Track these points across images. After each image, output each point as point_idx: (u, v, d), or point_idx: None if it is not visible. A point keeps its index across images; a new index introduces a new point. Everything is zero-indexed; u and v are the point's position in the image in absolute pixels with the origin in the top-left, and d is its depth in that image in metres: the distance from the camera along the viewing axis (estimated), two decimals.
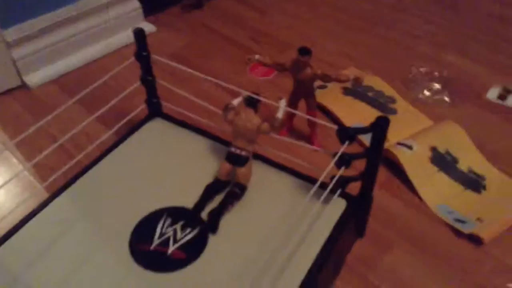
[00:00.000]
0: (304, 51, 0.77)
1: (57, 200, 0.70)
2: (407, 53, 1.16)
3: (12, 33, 1.02)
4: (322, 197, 0.58)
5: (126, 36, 1.20)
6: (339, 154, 0.59)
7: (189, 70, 0.74)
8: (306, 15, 1.32)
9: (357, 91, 0.99)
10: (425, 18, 1.29)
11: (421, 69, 1.04)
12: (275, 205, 0.68)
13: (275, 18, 1.31)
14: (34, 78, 1.08)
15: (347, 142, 0.60)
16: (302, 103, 0.86)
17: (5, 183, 0.64)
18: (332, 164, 0.60)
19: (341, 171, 0.62)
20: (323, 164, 0.85)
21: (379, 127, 0.59)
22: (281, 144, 0.75)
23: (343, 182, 0.64)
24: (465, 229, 0.74)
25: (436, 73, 1.03)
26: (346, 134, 0.60)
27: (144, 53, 0.75)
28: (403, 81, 1.05)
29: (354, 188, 0.67)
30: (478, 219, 0.76)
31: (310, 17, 1.31)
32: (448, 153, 0.85)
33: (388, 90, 1.00)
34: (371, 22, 1.28)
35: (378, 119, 0.59)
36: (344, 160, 0.61)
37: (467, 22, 1.26)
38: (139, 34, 0.74)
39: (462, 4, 1.34)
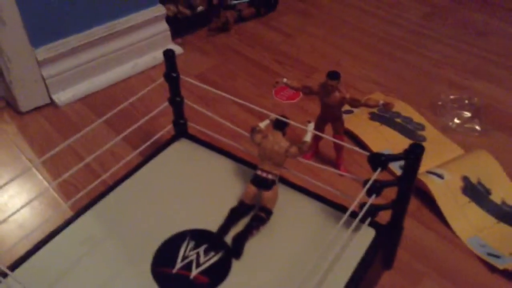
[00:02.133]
0: (333, 75, 0.76)
1: (80, 219, 0.69)
2: (434, 79, 1.14)
3: (42, 52, 1.04)
4: (352, 226, 0.56)
5: (152, 58, 1.22)
6: (371, 181, 0.58)
7: (218, 92, 0.74)
8: (330, 37, 1.32)
9: (384, 116, 0.97)
10: (451, 44, 1.27)
11: (451, 97, 1.02)
12: (301, 232, 0.67)
13: (300, 41, 1.31)
14: (62, 97, 1.09)
15: (379, 169, 0.58)
16: (327, 128, 0.85)
17: (30, 201, 0.64)
18: (364, 191, 0.58)
19: (372, 199, 0.60)
20: (349, 190, 0.84)
21: (413, 155, 0.57)
22: (305, 168, 0.74)
23: (373, 211, 0.62)
24: (499, 264, 0.71)
25: (466, 101, 1.00)
26: (379, 160, 0.58)
27: (174, 74, 0.75)
28: (432, 108, 1.03)
29: (382, 216, 0.65)
30: None
31: (334, 40, 1.31)
32: (480, 183, 0.82)
33: (416, 116, 0.98)
34: (396, 46, 1.27)
35: (413, 146, 0.57)
36: (375, 188, 0.59)
37: (496, 49, 1.24)
38: (169, 55, 0.74)
39: (490, 30, 1.32)
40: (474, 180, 0.83)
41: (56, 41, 1.06)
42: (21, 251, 0.64)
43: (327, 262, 0.58)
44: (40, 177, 0.90)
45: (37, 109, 1.08)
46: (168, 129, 0.83)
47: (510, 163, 0.87)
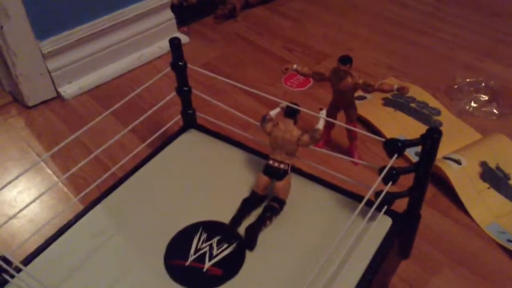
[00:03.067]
0: (345, 60, 0.74)
1: (91, 213, 0.68)
2: (449, 62, 1.11)
3: (47, 45, 1.02)
4: (368, 215, 0.55)
5: (158, 48, 1.20)
6: (387, 168, 0.56)
7: (226, 80, 0.72)
8: (340, 22, 1.29)
9: (398, 102, 0.95)
10: (465, 26, 1.23)
11: (467, 80, 0.99)
12: (315, 222, 0.65)
13: (309, 27, 1.28)
14: (68, 89, 1.08)
15: (395, 156, 0.56)
16: (340, 115, 0.83)
17: (40, 195, 0.62)
18: (379, 179, 0.56)
19: (388, 187, 0.58)
20: (363, 178, 0.82)
21: (431, 139, 0.55)
22: (317, 157, 0.72)
23: (389, 199, 0.60)
24: None
25: (482, 84, 0.97)
26: (395, 147, 0.56)
27: (180, 63, 0.73)
28: (447, 92, 1.00)
29: (398, 204, 0.63)
30: None
31: (345, 24, 1.28)
32: (498, 168, 0.80)
33: (432, 101, 0.95)
34: (409, 30, 1.24)
35: (430, 130, 0.55)
36: (391, 175, 0.57)
37: (510, 31, 1.21)
38: (175, 44, 0.72)
39: (505, 11, 1.28)
40: (492, 165, 0.80)
41: (61, 33, 1.04)
42: (33, 246, 0.63)
43: (343, 252, 0.56)
44: (49, 171, 0.89)
45: (44, 103, 1.07)
46: (176, 119, 0.82)
47: None
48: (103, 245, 0.64)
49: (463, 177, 0.78)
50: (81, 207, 0.69)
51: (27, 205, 0.62)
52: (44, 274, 0.61)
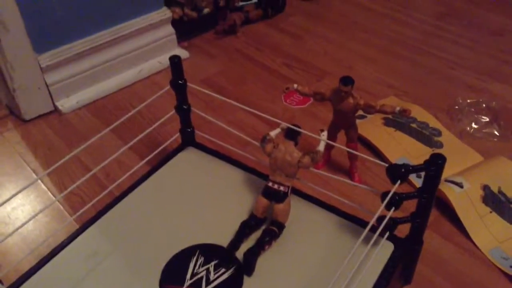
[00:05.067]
0: (347, 81, 0.73)
1: (86, 233, 0.67)
2: (450, 82, 1.10)
3: (46, 58, 1.01)
4: (371, 242, 0.53)
5: (158, 63, 1.19)
6: (390, 194, 0.54)
7: (226, 99, 0.71)
8: (341, 40, 1.28)
9: (399, 122, 0.94)
10: (467, 45, 1.23)
11: (468, 100, 0.98)
12: (315, 246, 0.64)
13: (310, 43, 1.28)
14: (66, 103, 1.07)
15: (398, 182, 0.55)
16: (341, 134, 0.82)
17: (36, 214, 0.61)
18: (383, 206, 0.55)
19: (391, 213, 0.56)
20: (364, 199, 0.81)
21: (435, 166, 0.54)
22: (316, 177, 0.71)
23: (391, 224, 0.59)
24: None
25: (483, 105, 0.97)
26: (399, 173, 0.55)
27: (180, 81, 0.72)
28: (448, 113, 0.99)
29: (399, 229, 0.61)
30: None
31: (345, 42, 1.27)
32: (501, 192, 0.79)
33: (432, 121, 0.94)
34: (409, 48, 1.23)
35: (434, 156, 0.54)
36: (394, 201, 0.56)
37: None
38: (175, 62, 0.71)
39: (506, 31, 1.28)
40: (494, 188, 0.79)
41: (60, 47, 1.03)
42: (26, 266, 0.62)
43: (346, 278, 0.55)
44: (44, 187, 0.88)
45: (41, 116, 1.06)
46: (175, 137, 0.80)
47: None
48: (97, 267, 0.62)
49: (465, 201, 0.76)
50: (76, 226, 0.68)
51: (23, 224, 0.60)
52: None
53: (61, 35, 1.03)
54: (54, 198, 0.85)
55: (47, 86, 1.04)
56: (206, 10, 1.32)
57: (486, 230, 0.75)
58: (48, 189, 0.87)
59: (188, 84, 0.73)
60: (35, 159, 0.94)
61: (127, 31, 1.11)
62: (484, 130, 0.93)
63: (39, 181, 0.88)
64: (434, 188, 0.56)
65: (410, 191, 0.57)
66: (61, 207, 0.83)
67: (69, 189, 0.63)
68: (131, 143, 0.70)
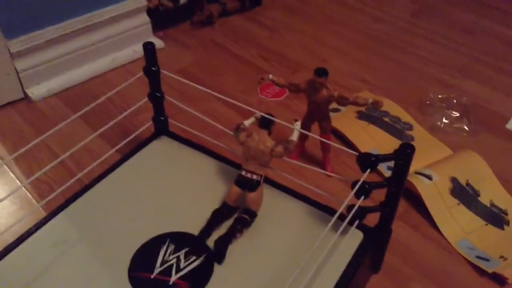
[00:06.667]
0: (321, 72, 0.74)
1: (54, 221, 0.65)
2: (422, 78, 1.12)
3: (16, 44, 0.99)
4: (340, 230, 0.54)
5: (132, 52, 1.17)
6: (360, 183, 0.55)
7: (200, 87, 0.70)
8: (316, 34, 1.29)
9: (372, 115, 0.95)
10: (440, 42, 1.26)
11: (439, 96, 1.00)
12: (286, 235, 0.64)
13: (286, 37, 1.28)
14: (36, 91, 1.04)
15: (368, 170, 0.55)
16: (314, 126, 0.82)
17: (1, 200, 0.59)
18: (352, 194, 0.55)
19: (360, 201, 0.57)
20: (336, 191, 0.82)
21: (404, 155, 0.55)
22: (290, 168, 0.71)
23: (361, 213, 0.60)
24: (489, 267, 0.69)
25: (454, 100, 0.99)
26: (368, 161, 0.55)
27: (154, 68, 0.71)
28: (419, 108, 1.01)
29: (368, 218, 0.62)
30: (502, 257, 0.71)
31: (321, 36, 1.28)
32: (468, 185, 0.81)
33: (404, 116, 0.96)
34: (384, 44, 1.25)
35: (403, 146, 0.55)
36: (364, 190, 0.57)
37: (484, 48, 1.23)
38: (149, 48, 0.70)
39: (478, 29, 1.31)
40: (462, 181, 0.81)
41: (31, 32, 1.00)
42: None
43: (315, 265, 0.55)
44: (12, 175, 0.86)
45: (10, 104, 1.03)
46: (147, 126, 0.79)
47: (499, 164, 0.86)
48: (65, 255, 0.61)
49: (433, 192, 0.78)
50: (44, 214, 0.67)
51: None
52: (1, 283, 0.57)
53: (32, 20, 1.00)
54: (20, 184, 0.83)
55: (17, 72, 1.01)
56: (182, 0, 1.31)
57: (453, 221, 0.76)
58: (16, 177, 0.85)
59: (162, 71, 0.72)
60: (3, 146, 0.92)
61: (101, 19, 1.09)
62: (454, 125, 0.95)
63: (6, 167, 0.86)
64: (403, 177, 0.57)
65: (378, 181, 0.58)
66: (29, 195, 0.81)
67: (36, 175, 0.62)
68: (102, 129, 0.68)
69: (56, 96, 1.05)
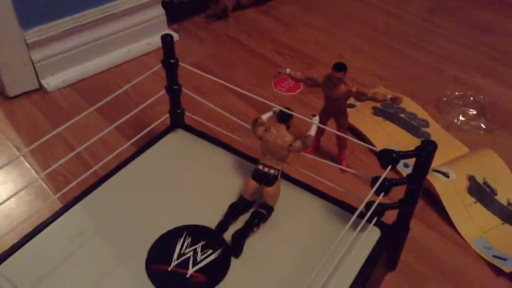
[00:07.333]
0: (340, 67, 0.73)
1: (70, 212, 0.65)
2: (439, 75, 1.11)
3: (32, 34, 0.99)
4: (359, 227, 0.54)
5: (147, 44, 1.17)
6: (381, 179, 0.55)
7: (219, 80, 0.70)
8: (332, 29, 1.28)
9: (387, 111, 0.94)
10: (457, 40, 1.24)
11: (456, 93, 0.99)
12: (303, 230, 0.64)
13: (301, 32, 1.27)
14: (52, 82, 1.04)
15: (389, 167, 0.55)
16: (330, 123, 0.82)
17: (18, 191, 0.59)
18: (373, 191, 0.55)
19: (380, 198, 0.57)
20: (350, 186, 0.81)
21: (425, 152, 0.54)
22: (306, 163, 0.71)
23: (379, 210, 0.59)
24: (506, 267, 0.69)
25: (471, 98, 0.98)
26: (390, 158, 0.55)
27: (172, 61, 0.71)
28: (436, 105, 1.00)
29: (386, 215, 0.62)
30: None
31: (336, 32, 1.27)
32: (486, 183, 0.80)
33: (421, 112, 0.95)
34: (400, 41, 1.23)
35: (425, 143, 0.54)
36: (384, 187, 0.56)
37: (501, 46, 1.22)
38: (168, 41, 0.70)
39: (495, 28, 1.30)
40: (480, 180, 0.80)
41: (47, 23, 1.00)
42: (7, 244, 0.60)
43: (333, 263, 0.55)
44: (27, 165, 0.86)
45: (25, 94, 1.03)
46: (163, 119, 0.79)
47: None
48: (81, 246, 0.61)
49: (450, 190, 0.77)
50: (60, 205, 0.67)
51: (4, 201, 0.59)
52: (17, 274, 0.58)
53: (48, 11, 1.00)
54: (37, 176, 0.83)
55: (32, 63, 1.01)
56: None
57: (470, 220, 0.76)
58: (32, 167, 0.86)
59: (180, 63, 0.72)
60: (18, 136, 0.92)
61: (116, 10, 1.09)
62: (471, 123, 0.94)
63: (22, 159, 0.87)
64: (423, 174, 0.56)
65: (398, 178, 0.58)
66: (45, 185, 0.81)
67: (52, 167, 0.62)
68: (117, 123, 0.68)
69: (71, 87, 1.05)
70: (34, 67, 1.02)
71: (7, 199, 0.58)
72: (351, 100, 0.93)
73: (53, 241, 0.62)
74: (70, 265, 0.59)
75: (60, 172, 0.83)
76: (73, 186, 0.62)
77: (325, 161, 0.68)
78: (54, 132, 0.61)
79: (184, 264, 0.59)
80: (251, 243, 0.61)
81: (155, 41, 1.15)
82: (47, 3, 0.99)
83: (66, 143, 0.90)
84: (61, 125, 0.61)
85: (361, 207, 0.54)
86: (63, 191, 0.61)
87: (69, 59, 1.06)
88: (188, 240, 0.62)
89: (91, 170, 0.65)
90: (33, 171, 0.85)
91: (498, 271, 0.70)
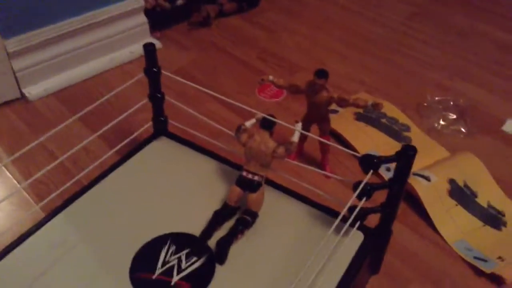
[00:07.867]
0: (321, 74, 0.74)
1: (53, 222, 0.65)
2: (419, 80, 1.13)
3: (13, 43, 0.98)
4: (342, 231, 0.54)
5: (129, 52, 1.17)
6: (363, 184, 0.55)
7: (202, 88, 0.70)
8: (314, 35, 1.30)
9: (369, 117, 0.96)
10: (437, 45, 1.26)
11: (436, 98, 1.01)
12: (287, 235, 0.64)
13: (284, 38, 1.28)
14: (33, 91, 1.03)
15: (371, 172, 0.56)
16: (313, 129, 0.83)
17: (0, 201, 0.59)
18: (355, 195, 0.55)
19: (362, 203, 0.57)
20: (334, 191, 0.82)
21: (406, 156, 0.55)
22: (289, 168, 0.71)
23: (362, 214, 0.60)
24: (487, 268, 0.70)
25: (451, 102, 1.00)
26: (371, 163, 0.56)
27: (155, 69, 0.71)
28: (416, 109, 1.01)
29: (368, 219, 0.62)
30: (499, 257, 0.72)
31: (319, 38, 1.28)
32: (466, 186, 0.81)
33: (402, 117, 0.97)
34: (381, 46, 1.25)
35: (405, 147, 0.55)
36: (366, 191, 0.57)
37: (479, 51, 1.24)
38: (150, 49, 0.70)
39: (474, 32, 1.32)
40: (460, 183, 0.82)
41: (28, 32, 1.00)
42: None
43: (317, 267, 0.55)
44: (9, 174, 0.85)
45: (7, 103, 1.02)
46: (146, 127, 0.79)
47: (495, 165, 0.87)
48: (65, 256, 0.61)
49: (432, 193, 0.79)
50: (42, 215, 0.66)
51: None
52: (0, 285, 0.57)
53: (29, 20, 0.99)
54: (19, 186, 0.82)
55: (13, 72, 1.00)
56: (179, 1, 1.30)
57: (451, 222, 0.77)
58: (14, 177, 0.85)
59: (163, 72, 0.72)
60: (0, 146, 0.91)
61: (98, 19, 1.09)
62: (451, 127, 0.96)
63: (4, 168, 0.86)
64: (404, 178, 0.57)
65: (380, 182, 0.59)
66: (27, 195, 0.81)
67: (34, 177, 0.61)
68: (100, 131, 0.68)
69: (53, 96, 1.05)
70: (15, 76, 1.01)
71: None
72: (333, 106, 0.94)
73: (36, 251, 0.61)
74: (53, 275, 0.58)
75: (43, 181, 0.83)
76: (56, 196, 0.61)
77: (308, 166, 0.69)
78: (37, 142, 0.61)
79: (168, 272, 0.59)
80: (236, 250, 0.61)
81: (138, 49, 1.15)
82: (28, 12, 0.98)
83: (48, 152, 0.89)
84: (43, 134, 0.61)
85: (344, 211, 0.54)
86: (46, 200, 0.60)
87: (51, 67, 1.05)
88: (173, 248, 0.62)
89: (74, 179, 0.65)
90: (14, 181, 0.84)
91: (479, 272, 0.71)
